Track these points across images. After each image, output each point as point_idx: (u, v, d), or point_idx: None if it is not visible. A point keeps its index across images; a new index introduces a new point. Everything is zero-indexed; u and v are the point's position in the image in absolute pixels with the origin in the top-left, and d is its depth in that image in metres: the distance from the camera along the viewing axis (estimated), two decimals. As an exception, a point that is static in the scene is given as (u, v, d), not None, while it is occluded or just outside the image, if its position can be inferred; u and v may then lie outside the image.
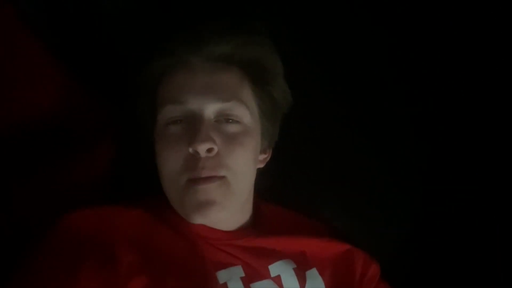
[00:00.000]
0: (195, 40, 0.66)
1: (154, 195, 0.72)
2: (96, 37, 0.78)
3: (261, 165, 0.75)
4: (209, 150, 0.62)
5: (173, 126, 0.65)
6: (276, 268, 0.70)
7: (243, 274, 0.66)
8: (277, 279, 0.69)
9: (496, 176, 0.83)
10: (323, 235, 0.78)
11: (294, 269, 0.71)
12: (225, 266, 0.67)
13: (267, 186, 0.76)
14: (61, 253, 0.60)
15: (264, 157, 0.76)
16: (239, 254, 0.68)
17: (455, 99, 0.84)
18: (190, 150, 0.62)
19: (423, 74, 0.84)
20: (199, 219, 0.64)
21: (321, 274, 0.72)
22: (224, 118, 0.65)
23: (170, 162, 0.64)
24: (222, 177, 0.64)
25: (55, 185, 0.71)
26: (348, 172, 0.84)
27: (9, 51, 0.69)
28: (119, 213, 0.65)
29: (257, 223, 0.75)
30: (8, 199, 0.69)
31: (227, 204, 0.64)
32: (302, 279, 0.70)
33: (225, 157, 0.64)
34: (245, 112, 0.67)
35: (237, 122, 0.66)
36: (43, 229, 0.62)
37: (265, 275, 0.68)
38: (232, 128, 0.65)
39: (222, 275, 0.65)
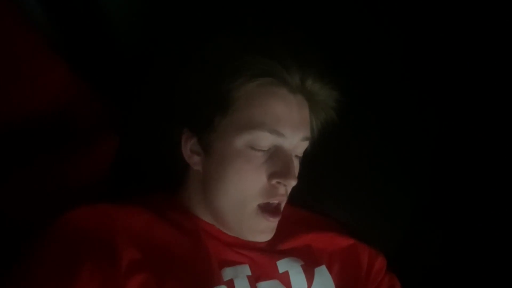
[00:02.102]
0: (298, 70, 0.67)
1: (154, 192, 0.71)
2: (97, 33, 0.79)
3: None
4: None
5: (256, 151, 0.66)
6: (284, 264, 0.70)
7: (249, 273, 0.67)
8: (285, 276, 0.69)
9: (499, 171, 0.83)
10: (328, 229, 0.79)
11: (302, 266, 0.71)
12: (231, 263, 0.67)
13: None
14: (60, 252, 0.59)
15: None
16: (247, 253, 0.69)
17: (461, 98, 0.84)
18: (275, 182, 0.65)
19: (430, 75, 0.84)
20: (253, 239, 0.69)
21: (329, 269, 0.72)
22: (296, 154, 0.69)
23: (245, 185, 0.66)
24: (280, 205, 0.69)
25: (56, 180, 0.71)
26: (352, 168, 0.84)
27: (9, 45, 0.68)
28: (118, 210, 0.64)
29: None
30: (8, 195, 0.69)
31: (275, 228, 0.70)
32: (310, 276, 0.71)
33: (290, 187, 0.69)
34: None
35: (300, 157, 0.71)
36: (43, 226, 0.62)
37: (272, 272, 0.69)
38: (297, 162, 0.70)
39: (228, 272, 0.66)
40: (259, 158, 0.66)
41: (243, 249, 0.69)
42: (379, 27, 0.84)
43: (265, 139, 0.65)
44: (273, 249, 0.72)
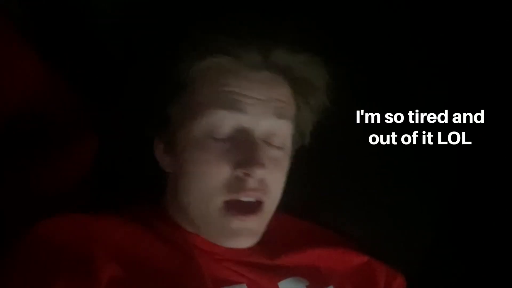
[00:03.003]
0: (258, 45, 0.61)
1: (140, 201, 0.67)
2: (80, 32, 0.75)
3: None
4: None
5: (217, 140, 0.60)
6: (286, 285, 0.64)
7: None
8: None
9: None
10: (337, 245, 0.73)
11: (307, 286, 0.65)
12: (228, 283, 0.61)
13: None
14: (33, 266, 0.55)
15: None
16: (244, 271, 0.62)
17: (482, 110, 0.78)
18: (240, 172, 0.59)
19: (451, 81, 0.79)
20: (230, 245, 0.62)
21: None
22: (270, 141, 0.62)
23: (209, 180, 0.60)
24: (260, 203, 0.61)
25: (30, 184, 0.67)
26: (366, 173, 0.79)
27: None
28: (97, 221, 0.60)
29: (265, 235, 0.67)
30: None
31: (260, 232, 0.63)
32: None
33: (268, 181, 0.61)
34: (289, 134, 0.65)
35: (281, 148, 0.63)
36: (15, 236, 0.58)
37: None
38: (276, 153, 0.63)
39: None
40: (222, 146, 0.60)
41: (239, 266, 0.62)
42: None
43: (224, 121, 0.59)
44: (274, 266, 0.65)
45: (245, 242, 0.62)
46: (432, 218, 0.79)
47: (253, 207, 0.60)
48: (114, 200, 0.68)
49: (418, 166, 0.79)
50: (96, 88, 0.73)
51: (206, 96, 0.60)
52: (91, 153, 0.71)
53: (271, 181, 0.61)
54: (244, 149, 0.59)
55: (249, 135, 0.60)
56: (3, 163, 0.66)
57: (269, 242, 0.67)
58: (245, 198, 0.60)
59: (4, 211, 0.65)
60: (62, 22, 0.74)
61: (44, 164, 0.68)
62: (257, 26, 0.61)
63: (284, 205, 0.72)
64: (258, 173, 0.59)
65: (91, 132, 0.71)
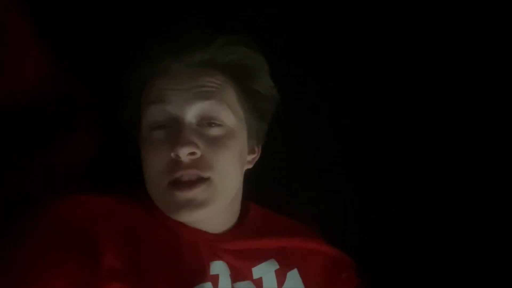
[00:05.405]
0: (174, 47, 0.67)
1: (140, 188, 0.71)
2: (87, 30, 0.78)
3: (250, 166, 0.76)
4: (191, 154, 0.64)
5: (156, 131, 0.66)
6: (259, 270, 0.71)
7: (229, 272, 0.67)
8: (259, 281, 0.70)
9: (477, 176, 0.84)
10: (302, 233, 0.79)
11: (276, 270, 0.72)
12: (218, 258, 0.67)
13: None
14: (41, 242, 0.60)
15: (253, 157, 0.76)
16: (224, 256, 0.68)
17: (441, 101, 0.85)
18: (172, 154, 0.64)
19: (409, 74, 0.86)
20: (181, 218, 0.66)
21: (302, 276, 0.73)
22: (206, 122, 0.66)
23: (153, 166, 0.66)
24: (207, 179, 0.65)
25: (32, 168, 0.70)
26: (327, 170, 0.86)
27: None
28: (106, 202, 0.65)
29: (244, 225, 0.75)
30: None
31: (210, 203, 0.65)
32: (281, 280, 0.71)
33: (209, 159, 0.65)
34: (227, 113, 0.67)
35: (220, 125, 0.67)
36: (22, 216, 0.62)
37: (247, 277, 0.69)
38: (215, 131, 0.66)
39: (215, 267, 0.66)
40: (161, 136, 0.66)
41: (221, 252, 0.69)
42: (358, 26, 0.85)
43: (155, 113, 0.66)
44: (248, 251, 0.72)
45: (190, 214, 0.64)
46: (387, 213, 0.85)
47: (197, 183, 0.64)
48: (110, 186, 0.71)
49: (377, 161, 0.85)
50: (98, 79, 0.76)
51: (143, 99, 0.68)
52: (93, 144, 0.74)
53: (213, 157, 0.65)
54: (174, 134, 0.64)
55: (178, 121, 0.65)
56: (6, 151, 0.68)
57: (249, 228, 0.74)
58: (184, 177, 0.64)
59: (4, 200, 0.67)
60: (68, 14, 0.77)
61: (45, 153, 0.70)
62: (171, 33, 0.68)
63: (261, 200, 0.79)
64: (184, 151, 0.63)
65: (94, 122, 0.74)
